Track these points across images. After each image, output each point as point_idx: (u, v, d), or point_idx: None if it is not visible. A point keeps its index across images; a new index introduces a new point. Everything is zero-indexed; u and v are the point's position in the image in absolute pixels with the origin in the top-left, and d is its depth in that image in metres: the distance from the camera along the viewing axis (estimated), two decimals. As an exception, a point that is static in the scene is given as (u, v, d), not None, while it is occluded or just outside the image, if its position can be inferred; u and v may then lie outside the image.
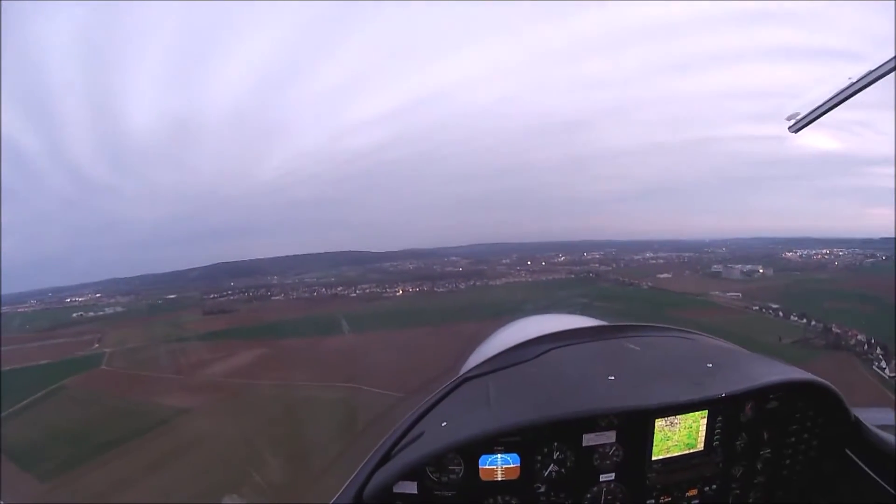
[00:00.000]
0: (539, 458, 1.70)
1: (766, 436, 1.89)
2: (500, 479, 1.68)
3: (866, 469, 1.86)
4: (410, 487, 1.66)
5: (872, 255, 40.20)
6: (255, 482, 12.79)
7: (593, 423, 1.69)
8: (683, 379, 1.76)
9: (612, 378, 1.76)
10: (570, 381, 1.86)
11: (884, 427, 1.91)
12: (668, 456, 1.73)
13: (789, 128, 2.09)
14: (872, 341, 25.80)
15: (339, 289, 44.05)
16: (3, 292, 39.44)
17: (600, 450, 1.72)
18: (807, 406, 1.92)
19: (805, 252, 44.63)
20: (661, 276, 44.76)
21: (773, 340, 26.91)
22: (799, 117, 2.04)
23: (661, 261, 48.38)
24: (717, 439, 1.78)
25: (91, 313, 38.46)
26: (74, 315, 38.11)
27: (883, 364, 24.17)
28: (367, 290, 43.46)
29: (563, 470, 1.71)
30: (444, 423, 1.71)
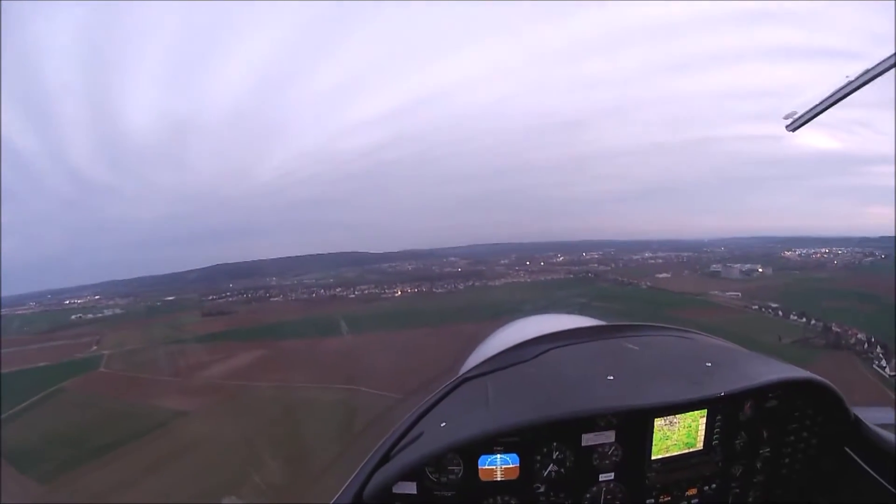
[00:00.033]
0: (538, 458, 1.70)
1: (765, 435, 1.89)
2: (499, 479, 1.68)
3: (866, 467, 1.86)
4: (410, 488, 1.65)
5: (871, 254, 40.26)
6: (255, 483, 12.81)
7: (592, 422, 1.69)
8: (682, 378, 1.76)
9: (612, 378, 1.76)
10: (569, 381, 1.86)
11: (884, 426, 1.91)
12: (668, 455, 1.73)
13: (787, 126, 2.09)
14: (872, 340, 25.83)
15: (337, 290, 44.06)
16: (2, 294, 39.48)
17: (599, 449, 1.71)
18: (806, 405, 1.92)
19: (804, 251, 44.72)
20: (660, 275, 44.82)
21: (772, 340, 26.93)
22: (796, 116, 2.03)
23: (660, 260, 48.45)
24: (716, 438, 1.78)
25: (90, 315, 38.45)
26: (73, 317, 38.09)
27: (883, 363, 24.19)
28: (366, 291, 43.47)
29: (562, 470, 1.71)
30: (444, 424, 1.71)
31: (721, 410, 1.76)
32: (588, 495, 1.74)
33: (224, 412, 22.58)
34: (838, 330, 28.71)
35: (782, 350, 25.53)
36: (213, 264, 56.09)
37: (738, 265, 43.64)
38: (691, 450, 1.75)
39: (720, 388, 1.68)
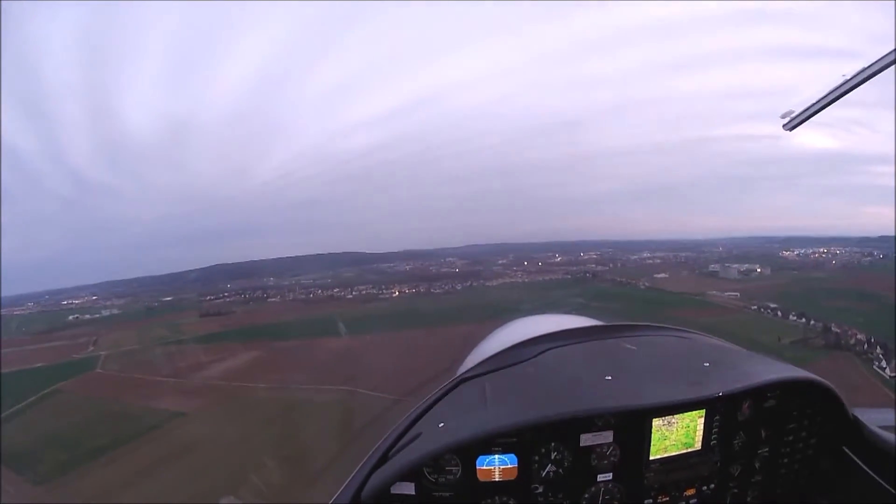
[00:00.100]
0: (536, 458, 1.69)
1: (763, 434, 1.89)
2: (497, 479, 1.67)
3: (864, 467, 1.85)
4: (408, 488, 1.65)
5: (870, 254, 40.40)
6: (253, 484, 12.77)
7: (590, 423, 1.68)
8: (681, 378, 1.75)
9: (610, 378, 1.76)
10: (568, 381, 1.86)
11: (885, 428, 1.91)
12: (666, 455, 1.73)
13: (784, 126, 2.08)
14: (872, 340, 25.86)
15: (335, 290, 44.09)
16: (1, 295, 39.43)
17: (598, 450, 1.71)
18: (804, 404, 1.92)
19: (802, 251, 44.90)
20: (659, 275, 44.93)
21: (772, 340, 26.97)
22: (794, 115, 2.03)
23: (658, 260, 48.60)
24: (714, 438, 1.78)
25: (87, 315, 38.44)
26: (70, 317, 38.08)
27: (883, 364, 24.24)
28: (364, 292, 43.50)
29: (560, 470, 1.70)
30: (442, 424, 1.70)
31: (719, 410, 1.76)
32: (586, 496, 1.73)
33: (221, 413, 22.56)
34: (838, 330, 28.77)
35: (782, 350, 25.57)
36: (211, 265, 56.12)
37: (737, 265, 43.77)
38: (689, 450, 1.75)
39: (718, 388, 1.68)
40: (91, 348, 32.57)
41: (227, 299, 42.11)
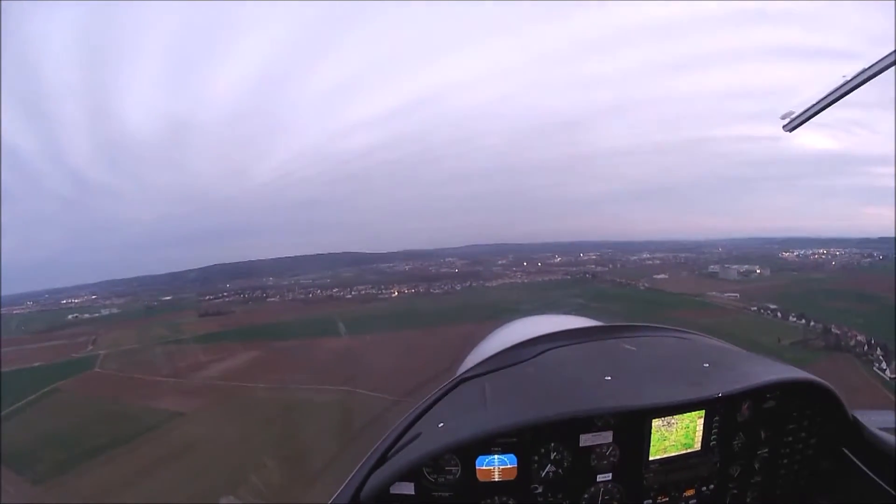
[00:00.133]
0: (536, 458, 1.69)
1: (763, 435, 1.89)
2: (497, 479, 1.67)
3: (864, 468, 1.85)
4: (407, 488, 1.65)
5: (870, 255, 40.38)
6: (252, 484, 12.76)
7: (590, 423, 1.68)
8: (680, 379, 1.75)
9: (609, 378, 1.76)
10: (567, 381, 1.86)
11: (884, 429, 1.90)
12: (666, 456, 1.73)
13: (784, 127, 2.08)
14: (872, 342, 25.83)
15: (334, 290, 44.06)
16: (1, 294, 39.41)
17: (597, 450, 1.71)
18: (804, 405, 1.92)
19: (802, 252, 44.88)
20: (658, 276, 44.92)
21: (772, 341, 26.96)
22: (793, 116, 2.03)
23: (658, 261, 48.60)
24: (714, 439, 1.77)
25: (86, 315, 38.42)
26: (70, 317, 38.06)
27: (883, 365, 24.21)
28: (363, 292, 43.48)
29: (560, 470, 1.70)
30: (441, 424, 1.70)
31: (719, 411, 1.76)
32: (586, 496, 1.73)
33: (221, 413, 22.55)
34: (838, 331, 28.74)
35: (781, 352, 25.57)
36: (211, 264, 56.09)
37: (736, 266, 43.75)
38: (689, 450, 1.75)
39: (718, 388, 1.68)
40: (90, 347, 32.56)
41: (227, 299, 42.09)
